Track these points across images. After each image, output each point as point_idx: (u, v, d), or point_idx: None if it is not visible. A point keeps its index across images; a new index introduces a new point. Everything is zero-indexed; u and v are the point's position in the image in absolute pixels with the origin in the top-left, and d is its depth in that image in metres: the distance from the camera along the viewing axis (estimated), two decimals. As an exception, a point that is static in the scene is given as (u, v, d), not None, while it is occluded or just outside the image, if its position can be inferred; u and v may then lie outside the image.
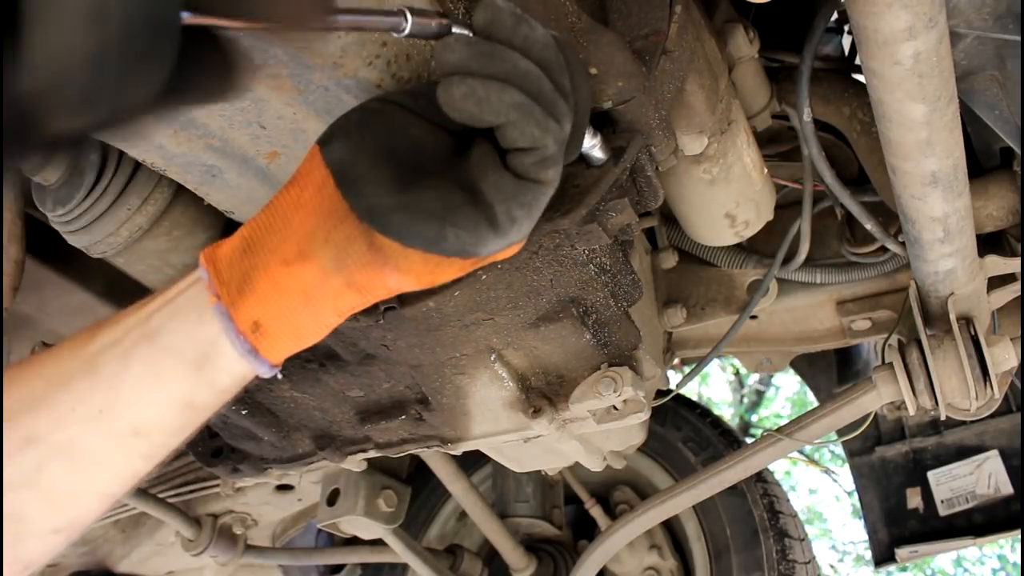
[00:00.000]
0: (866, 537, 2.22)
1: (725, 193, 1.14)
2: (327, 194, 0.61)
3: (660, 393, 1.34)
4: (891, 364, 1.18)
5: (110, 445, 0.61)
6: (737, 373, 8.20)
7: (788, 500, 2.15)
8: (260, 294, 0.61)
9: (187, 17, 0.45)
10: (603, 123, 0.84)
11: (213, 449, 1.33)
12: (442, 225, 0.58)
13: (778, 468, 8.04)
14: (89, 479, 0.61)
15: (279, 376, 0.66)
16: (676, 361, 2.37)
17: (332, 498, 1.71)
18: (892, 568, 2.25)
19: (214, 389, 0.63)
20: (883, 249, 1.37)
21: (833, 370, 2.31)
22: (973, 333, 1.15)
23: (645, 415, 1.01)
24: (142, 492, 1.77)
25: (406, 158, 0.61)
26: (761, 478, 2.10)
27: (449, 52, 0.59)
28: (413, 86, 0.67)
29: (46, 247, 1.21)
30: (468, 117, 0.58)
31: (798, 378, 3.98)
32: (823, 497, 9.13)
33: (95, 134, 0.49)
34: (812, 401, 3.95)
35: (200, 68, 0.50)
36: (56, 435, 0.58)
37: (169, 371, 0.61)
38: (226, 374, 0.63)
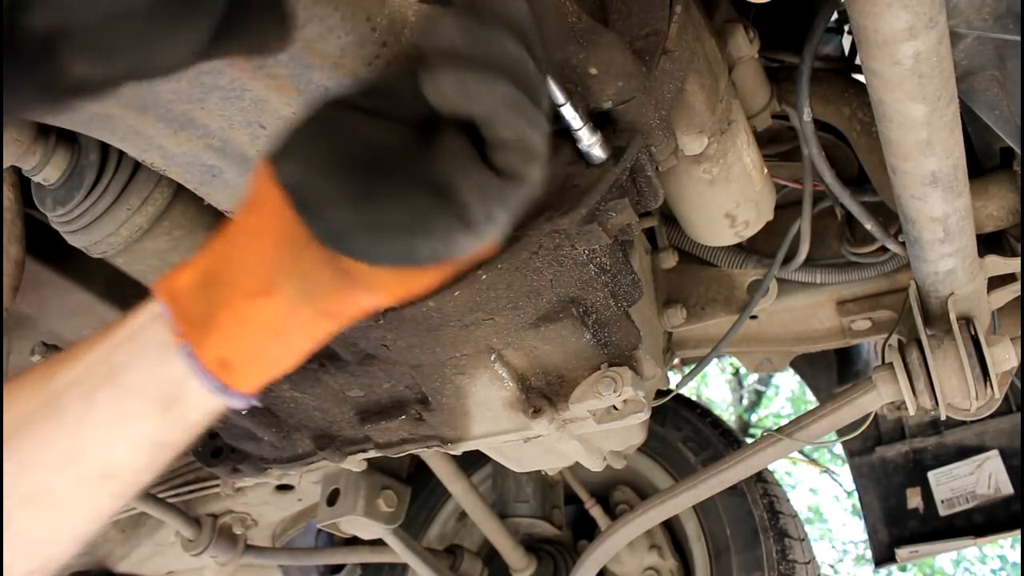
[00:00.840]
0: (866, 537, 2.22)
1: (725, 193, 1.14)
2: (285, 218, 0.56)
3: (660, 393, 1.34)
4: (891, 364, 1.18)
5: (79, 489, 0.59)
6: (737, 373, 8.20)
7: (788, 500, 2.15)
8: (225, 331, 0.58)
9: None
10: (603, 123, 0.84)
11: (213, 449, 1.33)
12: (411, 237, 0.54)
13: (778, 468, 8.04)
14: (60, 523, 0.59)
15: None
16: (676, 361, 2.37)
17: (332, 498, 1.71)
18: (892, 568, 2.25)
19: (184, 426, 0.61)
20: (883, 249, 1.37)
21: (833, 370, 2.31)
22: (973, 333, 1.15)
23: (645, 415, 1.01)
24: (142, 492, 1.77)
25: (365, 163, 0.57)
26: (761, 478, 2.10)
27: (439, 34, 0.55)
28: (364, 82, 0.63)
29: (46, 247, 1.21)
30: (454, 108, 0.55)
31: (798, 378, 3.98)
32: (823, 497, 9.14)
33: (121, 84, 0.45)
34: (812, 401, 3.95)
35: (250, 16, 0.47)
36: (22, 483, 0.56)
37: (136, 412, 0.59)
38: (196, 411, 0.61)
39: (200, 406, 0.60)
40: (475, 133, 0.57)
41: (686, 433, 2.21)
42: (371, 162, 0.57)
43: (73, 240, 1.06)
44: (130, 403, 0.58)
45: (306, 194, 0.56)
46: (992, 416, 1.39)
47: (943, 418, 1.19)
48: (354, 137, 0.58)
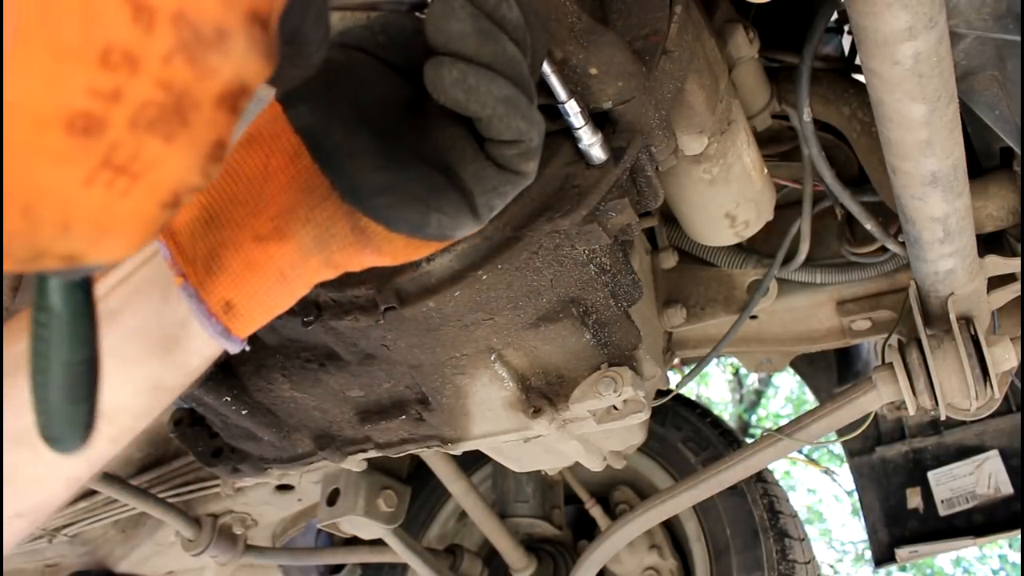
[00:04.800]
0: (866, 537, 2.23)
1: (725, 193, 1.14)
2: (303, 166, 0.56)
3: (660, 393, 1.34)
4: (891, 364, 1.18)
5: None
6: (736, 373, 8.20)
7: (788, 500, 2.16)
8: (231, 273, 0.56)
9: None
10: (603, 123, 0.84)
11: (213, 449, 1.33)
12: (427, 211, 0.55)
13: (778, 468, 8.05)
14: (53, 464, 0.57)
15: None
16: (676, 361, 2.37)
17: (332, 498, 1.71)
18: (892, 568, 2.26)
19: (184, 371, 0.60)
20: (883, 249, 1.37)
21: (833, 370, 2.31)
22: (973, 333, 1.15)
23: (645, 415, 1.01)
24: (142, 492, 1.77)
25: (375, 118, 0.57)
26: (761, 478, 2.10)
27: (453, 20, 0.54)
28: (372, 21, 0.62)
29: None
30: (454, 103, 0.56)
31: (798, 378, 3.98)
32: (823, 497, 9.14)
33: None
34: (812, 401, 3.96)
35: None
36: (14, 423, 0.54)
37: (135, 354, 0.57)
38: (196, 355, 0.60)
39: (200, 350, 0.59)
40: (472, 123, 0.58)
41: (686, 433, 2.21)
42: (380, 117, 0.57)
43: (73, 240, 1.06)
44: (129, 345, 0.57)
45: (325, 143, 0.55)
46: (992, 416, 1.39)
47: (943, 418, 1.19)
48: (367, 89, 0.58)
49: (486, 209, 0.58)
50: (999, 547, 7.86)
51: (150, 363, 0.58)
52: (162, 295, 0.57)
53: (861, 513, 2.25)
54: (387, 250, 0.58)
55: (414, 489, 1.91)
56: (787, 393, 8.89)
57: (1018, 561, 7.42)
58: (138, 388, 0.58)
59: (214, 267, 0.56)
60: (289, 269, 0.58)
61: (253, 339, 1.07)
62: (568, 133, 0.81)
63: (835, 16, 1.24)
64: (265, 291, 0.58)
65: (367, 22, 0.61)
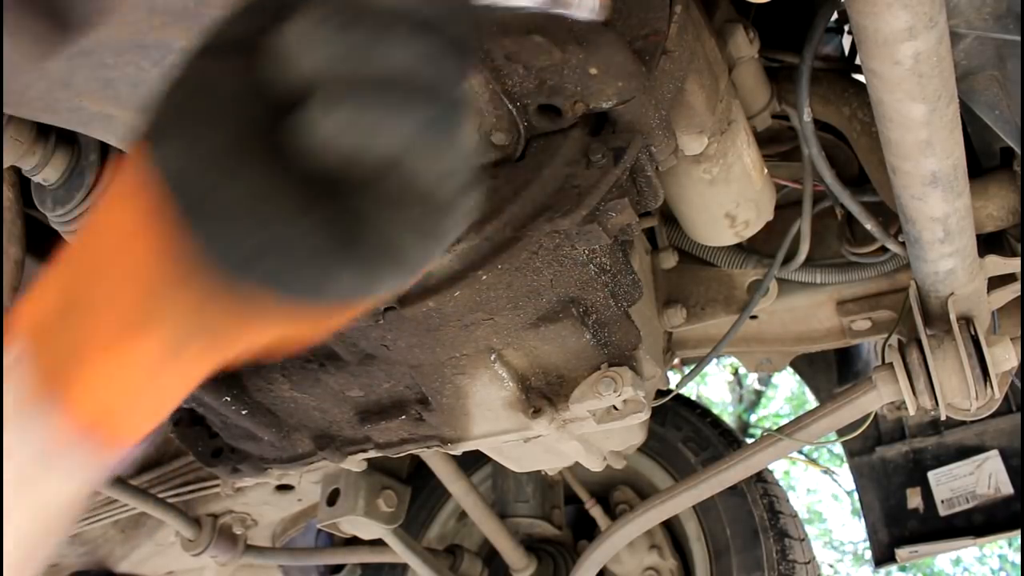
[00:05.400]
0: (866, 537, 2.23)
1: (725, 193, 1.14)
2: (165, 221, 0.42)
3: (660, 393, 1.34)
4: (891, 364, 1.18)
5: None
6: (736, 373, 8.20)
7: (788, 500, 2.16)
8: (89, 379, 0.45)
9: None
10: (603, 123, 0.84)
11: (213, 449, 1.33)
12: (326, 269, 0.42)
13: (778, 468, 8.05)
14: None
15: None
16: (676, 361, 2.37)
17: (332, 498, 1.71)
18: (892, 568, 2.26)
19: (71, 490, 0.49)
20: (883, 249, 1.37)
21: (833, 370, 2.31)
22: (973, 333, 1.15)
23: (645, 415, 1.01)
24: (142, 492, 1.77)
25: (251, 144, 0.42)
26: (761, 478, 2.10)
27: (305, 51, 0.40)
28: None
29: (46, 247, 1.21)
30: (353, 157, 0.41)
31: (798, 378, 3.98)
32: (823, 497, 9.15)
33: None
34: (812, 401, 3.96)
35: None
36: None
37: (19, 476, 0.46)
38: (75, 476, 0.48)
39: (78, 469, 0.48)
40: None
41: (686, 433, 2.21)
42: (260, 145, 0.42)
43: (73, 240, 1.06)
44: (12, 468, 0.46)
45: (192, 191, 0.41)
46: (992, 416, 1.39)
47: (943, 418, 1.20)
48: (236, 102, 0.43)
49: (414, 254, 0.44)
50: (999, 547, 7.87)
51: (35, 485, 0.47)
52: (30, 407, 0.46)
53: (861, 513, 2.25)
54: (283, 321, 0.46)
55: (414, 489, 1.91)
56: (787, 393, 8.89)
57: (1018, 561, 7.42)
58: (30, 512, 0.48)
59: (72, 371, 0.45)
60: (158, 364, 0.46)
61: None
62: (567, 133, 0.82)
63: (835, 16, 1.24)
64: (134, 394, 0.47)
65: (248, 2, 0.45)
